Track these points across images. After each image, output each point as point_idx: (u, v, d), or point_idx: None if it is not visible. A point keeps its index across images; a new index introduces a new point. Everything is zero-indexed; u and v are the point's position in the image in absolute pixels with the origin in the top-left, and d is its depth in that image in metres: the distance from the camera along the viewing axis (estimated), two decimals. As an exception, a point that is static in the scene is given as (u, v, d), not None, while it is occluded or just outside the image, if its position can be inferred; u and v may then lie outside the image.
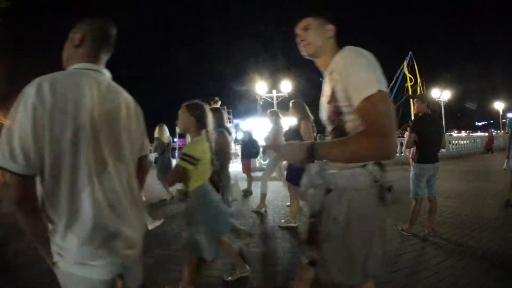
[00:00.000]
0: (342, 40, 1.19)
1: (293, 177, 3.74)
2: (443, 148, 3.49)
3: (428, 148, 3.32)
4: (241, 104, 23.97)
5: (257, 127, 10.20)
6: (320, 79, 1.30)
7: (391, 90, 29.39)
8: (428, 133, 3.28)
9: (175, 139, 16.59)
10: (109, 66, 1.12)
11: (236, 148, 12.03)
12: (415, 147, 3.40)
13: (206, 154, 2.03)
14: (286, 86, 11.57)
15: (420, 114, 3.43)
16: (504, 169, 4.84)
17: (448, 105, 17.93)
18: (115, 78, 1.12)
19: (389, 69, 30.10)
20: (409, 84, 27.08)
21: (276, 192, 6.49)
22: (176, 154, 12.69)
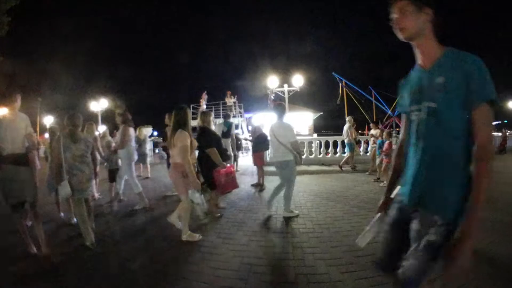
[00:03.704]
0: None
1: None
2: None
3: None
4: (252, 98, 24.03)
5: (268, 121, 10.09)
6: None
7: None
8: None
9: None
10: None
11: (247, 142, 11.98)
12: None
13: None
14: (298, 80, 11.39)
15: None
16: None
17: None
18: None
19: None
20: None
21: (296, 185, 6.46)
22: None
